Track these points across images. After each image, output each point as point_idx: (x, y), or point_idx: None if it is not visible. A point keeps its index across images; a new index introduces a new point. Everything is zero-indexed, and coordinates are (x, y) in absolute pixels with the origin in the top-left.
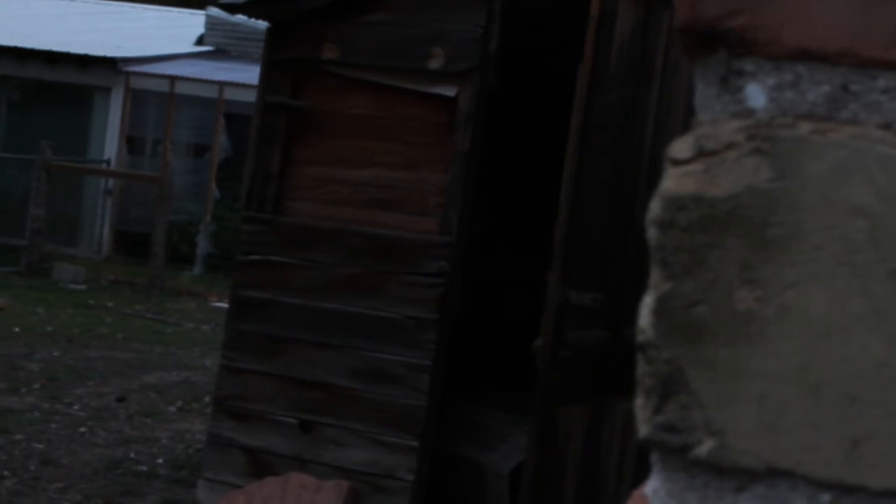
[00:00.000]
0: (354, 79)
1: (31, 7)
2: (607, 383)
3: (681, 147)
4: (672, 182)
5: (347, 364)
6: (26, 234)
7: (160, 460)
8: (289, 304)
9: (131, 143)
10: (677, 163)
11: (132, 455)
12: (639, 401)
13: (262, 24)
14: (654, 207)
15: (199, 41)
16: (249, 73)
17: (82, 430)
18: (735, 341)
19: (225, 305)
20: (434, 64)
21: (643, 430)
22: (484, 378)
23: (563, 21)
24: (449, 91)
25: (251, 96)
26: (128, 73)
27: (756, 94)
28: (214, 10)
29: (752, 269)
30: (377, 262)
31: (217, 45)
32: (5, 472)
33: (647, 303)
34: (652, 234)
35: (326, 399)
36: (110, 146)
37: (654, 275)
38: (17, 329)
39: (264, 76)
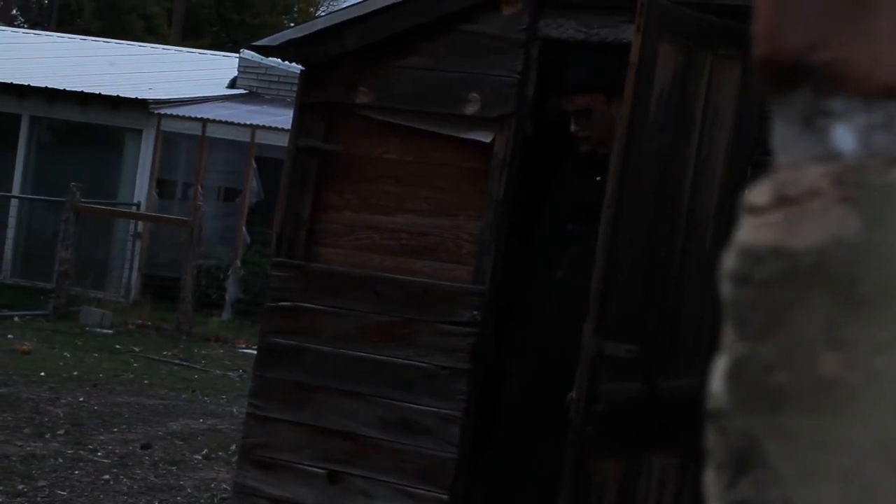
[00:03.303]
0: (388, 123)
1: (62, 48)
2: (642, 437)
3: (758, 193)
4: (749, 232)
5: (376, 414)
6: (54, 276)
7: None
8: (318, 352)
9: (161, 186)
10: (754, 211)
11: None
12: (709, 474)
13: (296, 68)
14: (729, 260)
15: (232, 84)
16: (282, 117)
17: (106, 477)
18: (818, 410)
19: (253, 352)
20: (470, 109)
21: None
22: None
23: (601, 67)
24: (485, 137)
25: (283, 140)
26: (159, 116)
27: (844, 136)
28: (248, 53)
29: (838, 330)
30: (408, 310)
31: (250, 89)
32: None
33: (720, 366)
34: (726, 289)
35: (355, 449)
36: (140, 189)
37: (728, 334)
38: (42, 373)
39: (296, 119)
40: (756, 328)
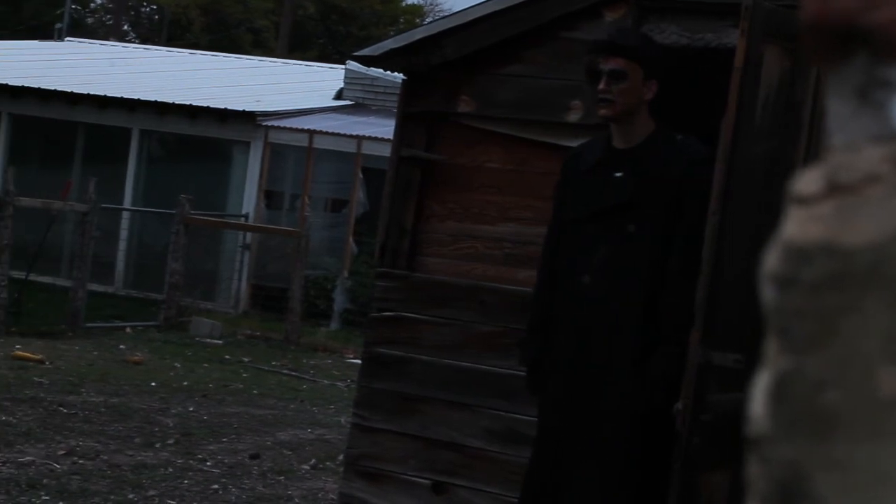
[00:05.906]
0: (490, 132)
1: (172, 62)
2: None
3: (807, 181)
4: (795, 227)
5: (481, 424)
6: (165, 288)
7: None
8: (422, 362)
9: (269, 197)
10: (802, 201)
11: None
12: None
13: (401, 78)
14: (771, 259)
15: (339, 95)
16: (387, 128)
17: (215, 486)
18: (877, 436)
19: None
20: (573, 117)
21: None
22: None
23: (707, 73)
24: None
25: (389, 150)
26: (267, 128)
27: None
28: (354, 65)
29: None
30: (512, 319)
31: (356, 100)
32: None
33: (761, 383)
34: (768, 293)
35: (460, 460)
36: (248, 200)
37: (771, 347)
38: (153, 383)
39: (399, 129)
40: (803, 339)
